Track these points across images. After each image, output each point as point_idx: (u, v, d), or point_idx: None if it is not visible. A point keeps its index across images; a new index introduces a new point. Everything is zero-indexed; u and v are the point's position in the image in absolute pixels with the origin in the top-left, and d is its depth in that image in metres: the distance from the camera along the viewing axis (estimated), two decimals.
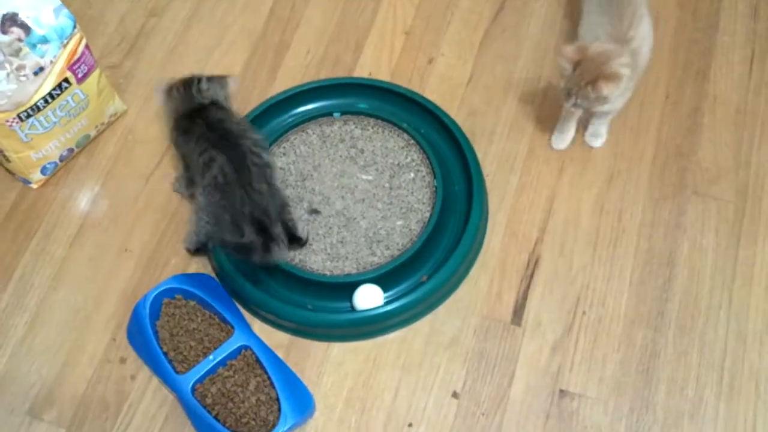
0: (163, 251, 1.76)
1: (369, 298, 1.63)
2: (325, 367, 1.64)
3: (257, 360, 1.57)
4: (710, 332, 1.64)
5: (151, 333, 1.59)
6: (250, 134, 1.60)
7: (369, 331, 1.65)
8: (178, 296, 1.65)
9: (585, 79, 1.60)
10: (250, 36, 2.04)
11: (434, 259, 1.69)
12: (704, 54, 1.95)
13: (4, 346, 1.67)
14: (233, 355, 1.58)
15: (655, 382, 1.60)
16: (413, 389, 1.61)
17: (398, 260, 1.64)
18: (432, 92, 1.91)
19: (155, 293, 1.61)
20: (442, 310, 1.68)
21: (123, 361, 1.65)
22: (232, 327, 1.60)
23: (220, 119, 1.62)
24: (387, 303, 1.62)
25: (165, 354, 1.58)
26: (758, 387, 1.58)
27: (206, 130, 1.59)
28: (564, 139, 1.81)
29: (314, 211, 1.73)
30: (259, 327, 1.67)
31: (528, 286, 1.69)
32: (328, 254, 1.68)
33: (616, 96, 1.63)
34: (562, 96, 1.67)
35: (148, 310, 1.60)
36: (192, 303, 1.65)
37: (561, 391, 1.59)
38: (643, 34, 1.68)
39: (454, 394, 1.60)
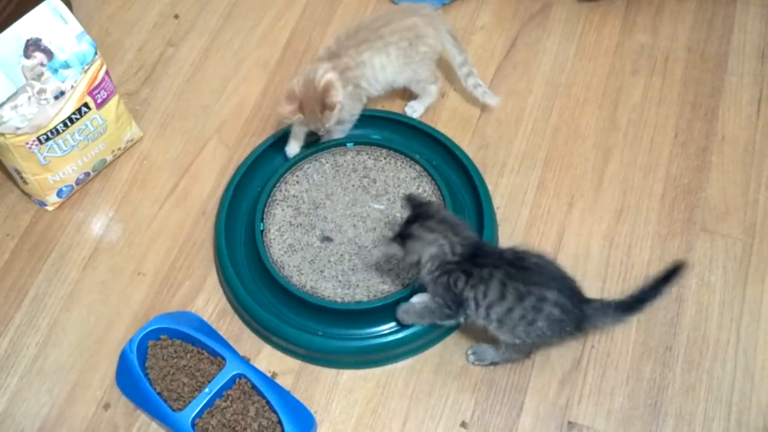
0: (176, 275, 1.78)
1: None
2: (334, 393, 1.64)
3: (253, 387, 1.58)
4: (718, 368, 1.64)
5: (142, 376, 1.59)
6: None
7: (379, 359, 1.66)
8: (162, 336, 1.65)
9: (316, 113, 1.72)
10: (266, 67, 2.07)
11: None
12: (713, 94, 1.98)
13: (16, 365, 1.68)
14: (228, 385, 1.58)
15: (663, 416, 1.60)
16: (422, 418, 1.62)
17: (409, 288, 1.65)
18: (444, 125, 1.94)
19: (140, 336, 1.62)
20: (451, 339, 1.69)
21: None
22: (223, 358, 1.60)
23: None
24: (397, 331, 1.63)
25: (159, 394, 1.58)
26: (767, 423, 1.58)
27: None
28: (297, 148, 1.85)
29: (326, 239, 1.74)
30: (269, 352, 1.68)
31: None
32: (340, 281, 1.69)
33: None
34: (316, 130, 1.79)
35: (135, 355, 1.60)
36: (178, 341, 1.65)
37: (569, 423, 1.60)
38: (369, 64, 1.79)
39: (463, 424, 1.60)
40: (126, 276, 1.78)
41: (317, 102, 1.71)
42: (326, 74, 1.72)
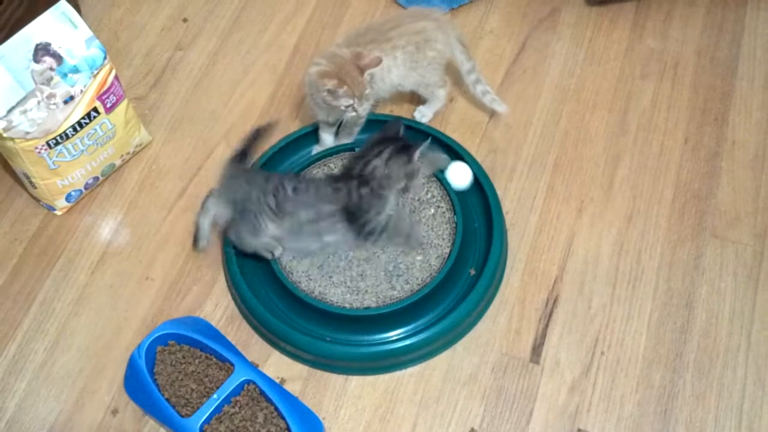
0: (184, 280, 1.78)
1: (461, 175, 1.75)
2: (342, 400, 1.64)
3: (261, 393, 1.58)
4: (729, 375, 1.63)
5: (150, 382, 1.59)
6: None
7: (387, 365, 1.66)
8: (171, 342, 1.65)
9: (356, 77, 1.70)
10: (274, 71, 2.07)
11: (453, 295, 1.70)
12: (723, 99, 1.97)
13: (24, 370, 1.68)
14: (236, 391, 1.58)
15: (673, 423, 1.59)
16: (430, 425, 1.61)
17: (417, 295, 1.65)
18: (453, 130, 1.93)
19: (148, 342, 1.61)
20: (460, 346, 1.68)
21: None
22: (232, 364, 1.60)
23: None
24: (405, 337, 1.63)
25: (167, 400, 1.58)
26: None
27: None
28: (329, 141, 1.88)
29: None
30: (277, 358, 1.68)
31: (547, 325, 1.70)
32: (348, 287, 1.69)
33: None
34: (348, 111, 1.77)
35: (143, 360, 1.60)
36: (186, 347, 1.65)
37: (579, 430, 1.59)
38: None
39: (472, 431, 1.60)
40: (134, 281, 1.78)
41: (354, 67, 1.70)
42: (343, 48, 1.73)
